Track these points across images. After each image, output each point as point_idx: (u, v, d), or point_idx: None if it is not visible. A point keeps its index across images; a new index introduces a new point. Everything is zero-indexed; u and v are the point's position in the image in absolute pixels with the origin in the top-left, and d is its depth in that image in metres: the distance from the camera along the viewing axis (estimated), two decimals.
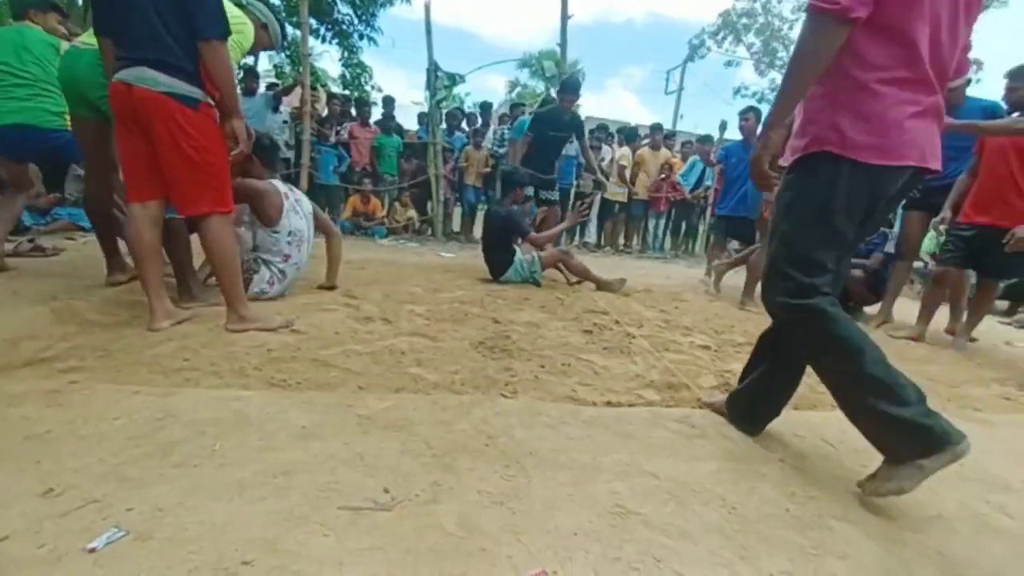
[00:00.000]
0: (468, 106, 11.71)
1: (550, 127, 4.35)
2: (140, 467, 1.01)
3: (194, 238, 2.12)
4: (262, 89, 6.30)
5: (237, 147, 1.94)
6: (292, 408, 1.33)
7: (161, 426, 1.18)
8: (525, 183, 3.98)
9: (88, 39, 2.15)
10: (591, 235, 7.95)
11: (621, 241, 7.60)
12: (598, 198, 7.46)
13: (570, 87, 4.36)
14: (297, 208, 2.59)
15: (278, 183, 2.50)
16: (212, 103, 1.88)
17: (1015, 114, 2.79)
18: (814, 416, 1.71)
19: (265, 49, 3.47)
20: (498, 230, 3.69)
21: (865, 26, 1.10)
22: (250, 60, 3.45)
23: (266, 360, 1.68)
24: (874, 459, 1.40)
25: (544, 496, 1.06)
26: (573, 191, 7.21)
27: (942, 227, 3.06)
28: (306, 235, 2.63)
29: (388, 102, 7.30)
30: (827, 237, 1.22)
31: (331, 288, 2.83)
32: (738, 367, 2.14)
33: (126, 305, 2.17)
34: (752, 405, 1.48)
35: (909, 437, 1.09)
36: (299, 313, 2.23)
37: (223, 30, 1.80)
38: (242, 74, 5.72)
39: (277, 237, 2.48)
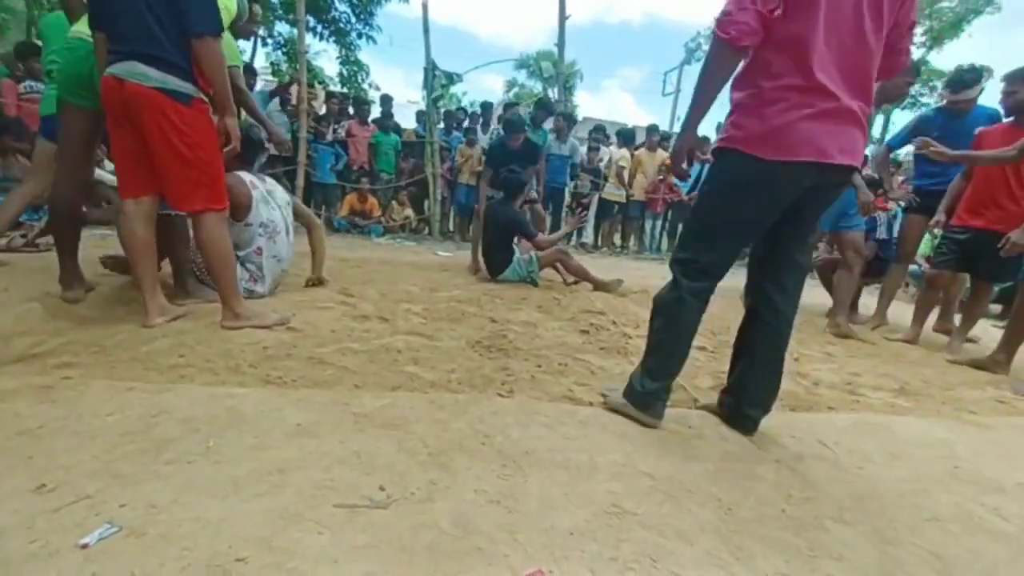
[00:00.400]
0: (466, 105, 11.73)
1: (502, 160, 4.34)
2: (133, 463, 1.00)
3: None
4: (259, 86, 6.27)
5: (230, 144, 1.92)
6: (287, 406, 1.32)
7: (155, 423, 1.17)
8: (523, 186, 3.98)
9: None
10: (588, 236, 7.95)
11: (618, 241, 7.61)
12: (595, 199, 7.47)
13: (511, 127, 4.39)
14: (268, 199, 2.53)
15: (244, 174, 2.44)
16: (205, 99, 1.86)
17: (1010, 118, 2.82)
18: (810, 417, 1.71)
19: (244, 35, 3.43)
20: (501, 228, 3.69)
21: (768, 41, 1.28)
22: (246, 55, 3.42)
23: (262, 357, 1.67)
24: (871, 461, 1.41)
25: (540, 495, 1.05)
26: (568, 192, 7.22)
27: (936, 230, 3.09)
28: (281, 226, 2.57)
29: (386, 100, 7.28)
30: (732, 224, 1.40)
31: (319, 282, 2.80)
32: None
33: (120, 301, 2.16)
34: (739, 403, 1.51)
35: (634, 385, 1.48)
36: (295, 311, 2.21)
37: (216, 26, 1.79)
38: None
39: (249, 230, 2.43)
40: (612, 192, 7.15)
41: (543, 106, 5.61)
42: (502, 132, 4.46)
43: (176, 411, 1.22)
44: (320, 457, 1.10)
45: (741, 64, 1.35)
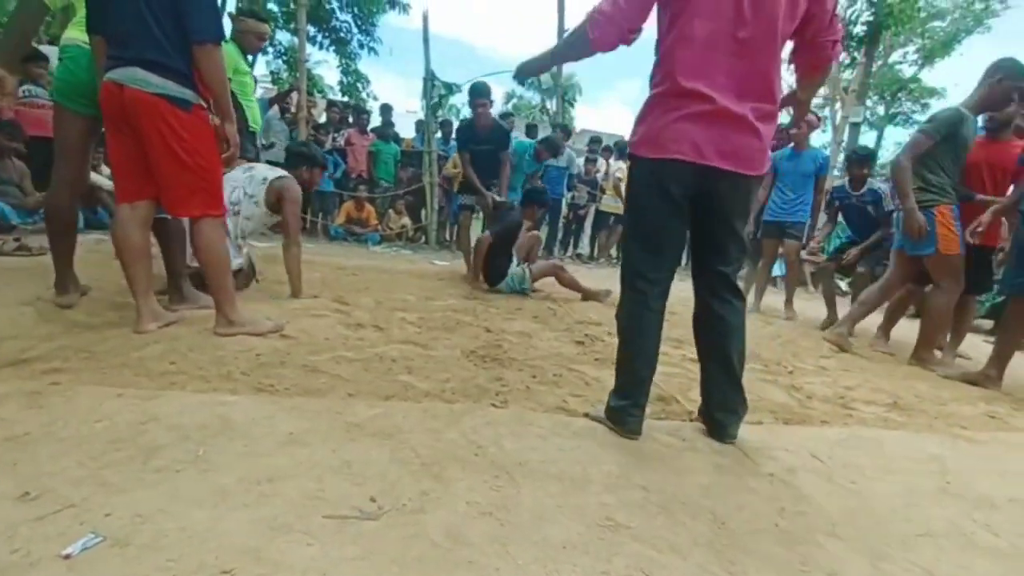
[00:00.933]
0: (465, 116, 11.79)
1: (472, 141, 4.15)
2: (120, 471, 0.99)
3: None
4: (259, 94, 6.31)
5: (229, 150, 1.93)
6: (279, 414, 1.31)
7: (144, 430, 1.15)
8: (546, 204, 4.02)
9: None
10: (584, 247, 7.99)
11: (614, 253, 7.65)
12: (592, 210, 7.51)
13: (476, 93, 4.08)
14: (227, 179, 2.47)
15: None
16: (205, 105, 1.87)
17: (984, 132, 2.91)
18: (803, 431, 1.71)
19: (252, 50, 3.46)
20: (507, 236, 3.73)
21: (659, 51, 1.39)
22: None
23: (254, 365, 1.66)
24: (863, 475, 1.41)
25: (533, 507, 1.04)
26: (565, 203, 7.26)
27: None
28: (242, 209, 2.58)
29: (386, 110, 7.33)
30: (646, 229, 1.46)
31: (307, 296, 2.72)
32: None
33: (112, 306, 2.14)
34: (708, 408, 1.53)
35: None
36: (289, 318, 2.20)
37: (218, 32, 1.80)
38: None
39: None
40: (609, 204, 7.20)
41: (551, 146, 5.41)
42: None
43: (166, 418, 1.21)
44: (311, 466, 1.09)
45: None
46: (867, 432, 1.76)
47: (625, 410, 1.44)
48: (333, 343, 1.99)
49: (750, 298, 4.65)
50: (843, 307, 4.20)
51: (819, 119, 4.78)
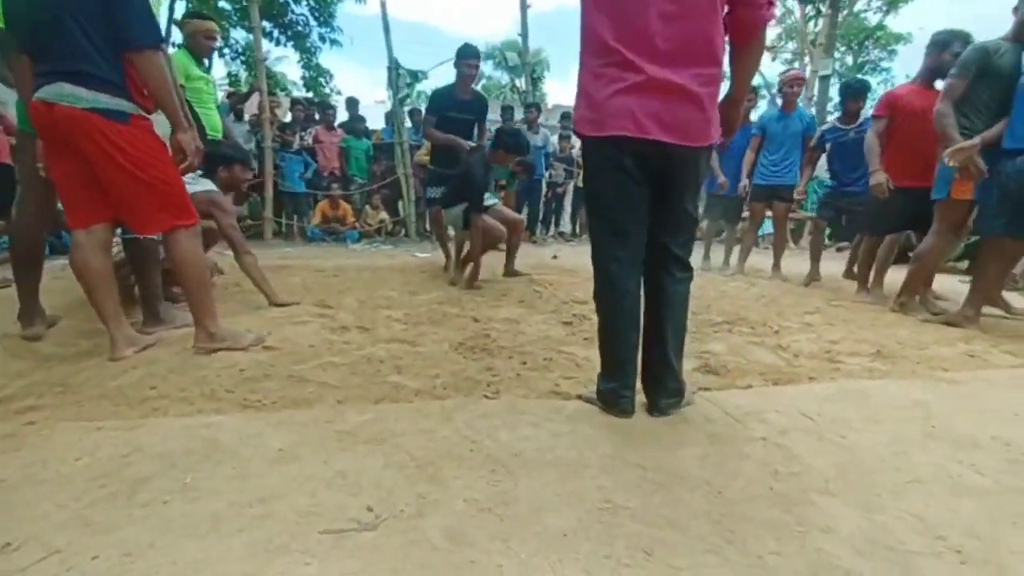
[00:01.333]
0: None
1: (450, 109, 3.68)
2: (105, 509, 0.96)
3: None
4: (219, 97, 6.10)
5: (186, 160, 1.84)
6: (267, 430, 1.29)
7: (128, 462, 1.12)
8: (520, 150, 3.45)
9: None
10: (566, 224, 7.96)
11: None
12: (571, 187, 7.47)
13: (467, 53, 3.67)
14: None
15: None
16: (146, 114, 1.77)
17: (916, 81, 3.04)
18: (792, 390, 1.74)
19: (203, 52, 3.28)
20: (463, 177, 3.31)
21: (585, 24, 1.35)
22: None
23: (238, 381, 1.63)
24: (852, 429, 1.44)
25: (531, 498, 1.05)
26: (544, 181, 7.20)
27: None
28: None
29: (352, 103, 7.14)
30: (601, 205, 1.43)
31: (280, 305, 2.60)
32: (717, 347, 2.18)
33: (85, 334, 2.08)
34: (643, 381, 1.49)
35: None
36: (271, 328, 2.17)
37: (155, 37, 1.69)
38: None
39: None
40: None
41: (513, 145, 5.24)
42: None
43: (149, 447, 1.18)
44: (304, 482, 1.07)
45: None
46: (853, 384, 1.80)
47: (615, 392, 1.43)
48: (318, 349, 1.96)
49: (734, 259, 4.71)
50: (826, 261, 4.26)
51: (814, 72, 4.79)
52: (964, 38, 2.98)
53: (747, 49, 1.41)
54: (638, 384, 1.47)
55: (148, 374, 1.65)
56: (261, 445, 1.22)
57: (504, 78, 22.57)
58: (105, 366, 1.72)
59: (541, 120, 7.39)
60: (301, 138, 6.61)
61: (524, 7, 6.94)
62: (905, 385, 1.83)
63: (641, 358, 1.47)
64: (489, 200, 3.44)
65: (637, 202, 1.39)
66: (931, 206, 2.87)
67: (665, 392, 1.45)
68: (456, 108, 3.77)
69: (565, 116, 7.65)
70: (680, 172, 1.37)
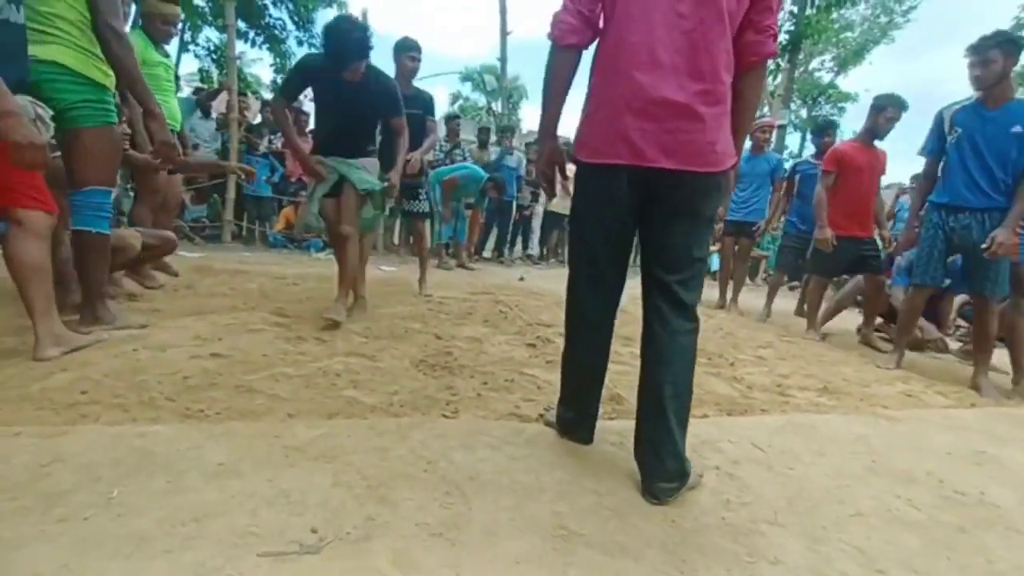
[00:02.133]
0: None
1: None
2: (15, 525, 0.87)
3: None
4: (185, 93, 5.90)
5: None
6: (208, 442, 1.21)
7: (45, 473, 1.02)
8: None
9: None
10: (534, 247, 8.04)
11: (564, 253, 7.74)
12: (537, 210, 7.58)
13: (403, 44, 3.27)
14: None
15: None
16: None
17: (859, 139, 3.40)
18: (745, 421, 1.79)
19: (160, 36, 3.04)
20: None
21: (600, 41, 1.25)
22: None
23: (181, 389, 1.53)
24: (800, 461, 1.48)
25: (485, 522, 1.02)
26: (515, 204, 7.28)
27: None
28: None
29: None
30: (583, 235, 1.33)
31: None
32: None
33: (11, 331, 1.91)
34: (636, 451, 1.27)
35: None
36: (223, 335, 2.06)
37: None
38: None
39: None
40: (559, 204, 7.28)
41: (453, 117, 5.50)
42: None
43: (72, 457, 1.08)
44: (244, 499, 1.01)
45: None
46: (802, 418, 1.87)
47: (573, 421, 1.41)
48: (271, 359, 1.88)
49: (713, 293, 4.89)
50: (779, 297, 4.45)
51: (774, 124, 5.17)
52: (899, 103, 3.27)
53: (748, 79, 1.25)
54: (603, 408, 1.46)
55: (80, 377, 1.53)
56: (200, 458, 1.14)
57: (481, 100, 22.92)
58: (31, 367, 1.58)
59: (516, 145, 7.50)
60: (270, 141, 6.45)
61: (504, 33, 7.12)
62: (849, 420, 1.91)
63: (636, 427, 1.26)
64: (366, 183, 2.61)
65: (623, 238, 1.29)
66: (869, 252, 3.40)
67: (664, 475, 1.18)
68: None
69: (529, 144, 7.80)
70: (678, 199, 1.21)
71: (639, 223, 1.29)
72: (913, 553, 1.09)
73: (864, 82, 32.01)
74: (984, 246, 2.43)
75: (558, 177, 1.43)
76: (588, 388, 1.39)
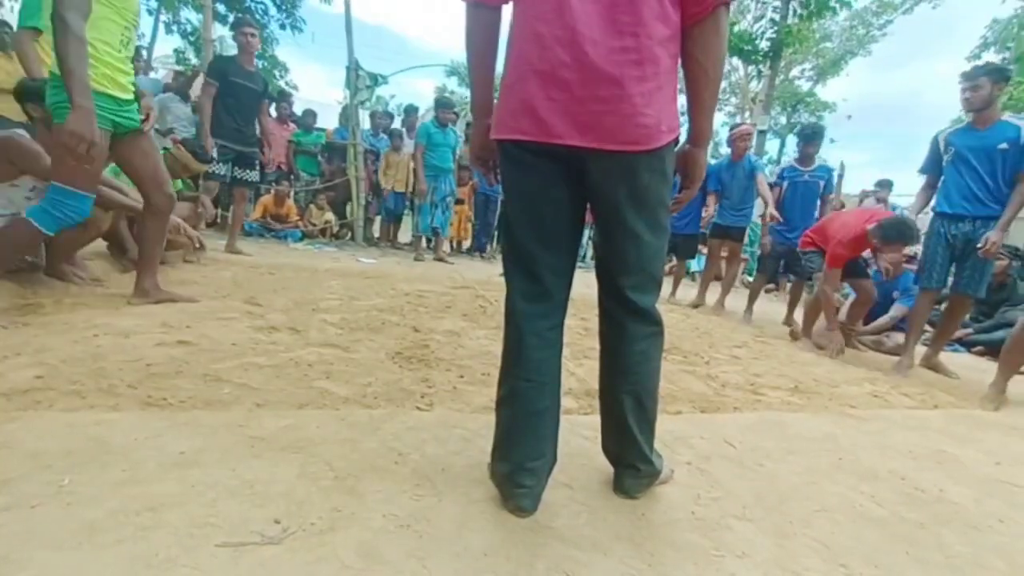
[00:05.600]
0: (393, 109, 11.42)
1: (233, 73, 3.72)
2: None
3: None
4: (159, 74, 5.70)
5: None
6: (169, 431, 1.17)
7: None
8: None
9: None
10: None
11: None
12: None
13: (240, 22, 3.89)
14: None
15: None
16: None
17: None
18: (718, 418, 1.81)
19: None
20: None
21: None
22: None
23: (143, 376, 1.48)
24: (769, 457, 1.51)
25: (455, 515, 1.00)
26: (499, 199, 7.25)
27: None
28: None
29: (309, 114, 6.79)
30: (506, 223, 1.10)
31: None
32: None
33: None
34: (606, 456, 1.20)
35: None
36: (191, 322, 2.00)
37: None
38: None
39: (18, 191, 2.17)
40: None
41: (445, 104, 5.57)
42: (237, 27, 3.90)
43: (21, 445, 1.03)
44: (205, 490, 0.97)
45: None
46: (773, 416, 1.90)
47: (508, 477, 1.04)
48: (241, 348, 1.82)
49: (693, 292, 4.94)
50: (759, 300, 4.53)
51: (754, 125, 5.27)
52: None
53: (697, 36, 0.98)
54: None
55: (35, 362, 1.46)
56: (160, 448, 1.10)
57: (466, 94, 22.78)
58: None
59: None
60: None
61: None
62: (818, 419, 1.95)
63: (601, 426, 1.17)
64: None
65: (551, 221, 1.04)
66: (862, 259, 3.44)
67: (633, 473, 1.14)
68: (242, 76, 3.86)
69: None
70: (612, 187, 1.00)
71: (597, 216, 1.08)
72: (875, 548, 1.11)
73: (841, 92, 33.25)
74: (979, 246, 2.77)
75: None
76: (521, 429, 1.06)
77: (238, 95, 3.85)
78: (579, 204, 1.07)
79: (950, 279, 3.07)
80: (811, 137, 4.22)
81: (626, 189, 1.00)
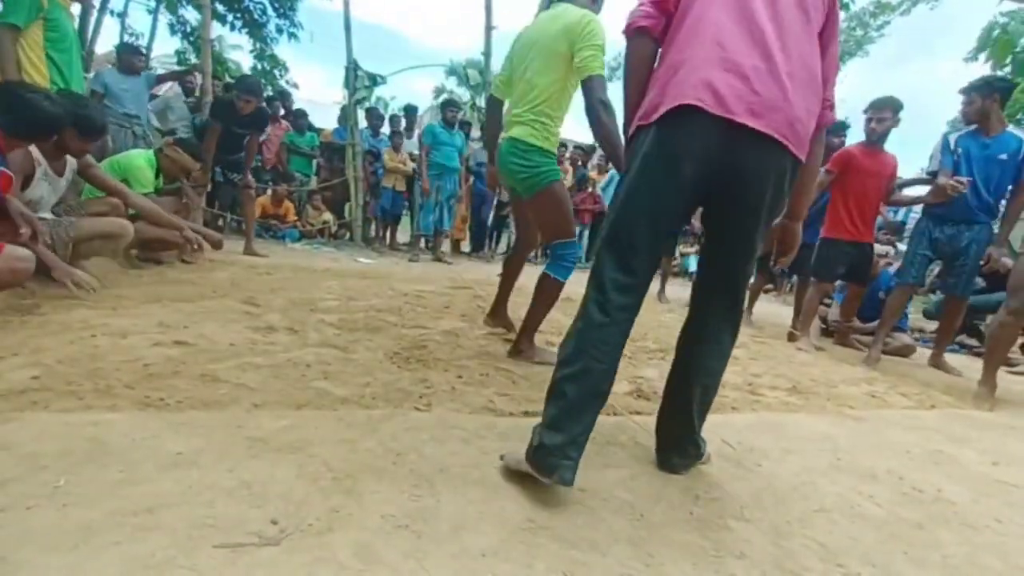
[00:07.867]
0: (395, 109, 11.39)
1: (225, 121, 4.32)
2: None
3: None
4: (157, 70, 5.68)
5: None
6: (166, 432, 1.16)
7: None
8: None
9: None
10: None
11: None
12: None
13: (246, 89, 4.33)
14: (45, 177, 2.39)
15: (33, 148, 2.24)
16: None
17: (870, 143, 3.40)
18: (717, 419, 1.80)
19: None
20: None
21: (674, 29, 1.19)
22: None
23: (141, 376, 1.47)
24: (767, 458, 1.51)
25: (453, 516, 1.00)
26: (497, 199, 7.25)
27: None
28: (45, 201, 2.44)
29: (301, 114, 6.76)
30: (630, 215, 1.17)
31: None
32: (650, 373, 2.24)
33: None
34: (659, 442, 1.36)
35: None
36: (188, 323, 1.99)
37: None
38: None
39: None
40: None
41: (451, 104, 5.77)
42: (237, 92, 4.36)
43: (16, 446, 1.02)
44: (202, 490, 0.97)
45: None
46: (771, 416, 1.90)
47: (558, 449, 1.07)
48: (239, 349, 1.82)
49: (686, 293, 4.95)
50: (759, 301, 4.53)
51: None
52: (878, 105, 3.37)
53: (809, 161, 1.17)
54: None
55: (31, 363, 1.46)
56: (157, 448, 1.09)
57: (466, 95, 22.78)
58: None
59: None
60: None
61: (488, 28, 7.06)
62: (816, 419, 1.95)
63: (659, 410, 1.33)
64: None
65: (671, 217, 1.15)
66: (863, 260, 3.48)
67: (683, 452, 1.31)
68: (234, 124, 4.38)
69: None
70: (762, 181, 1.07)
71: (709, 215, 1.19)
72: (872, 548, 1.11)
73: (840, 93, 33.22)
74: (982, 262, 2.94)
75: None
76: (588, 410, 1.13)
77: (233, 136, 4.43)
78: (695, 206, 1.20)
79: (928, 280, 3.19)
80: (836, 130, 4.12)
81: (772, 185, 1.09)
